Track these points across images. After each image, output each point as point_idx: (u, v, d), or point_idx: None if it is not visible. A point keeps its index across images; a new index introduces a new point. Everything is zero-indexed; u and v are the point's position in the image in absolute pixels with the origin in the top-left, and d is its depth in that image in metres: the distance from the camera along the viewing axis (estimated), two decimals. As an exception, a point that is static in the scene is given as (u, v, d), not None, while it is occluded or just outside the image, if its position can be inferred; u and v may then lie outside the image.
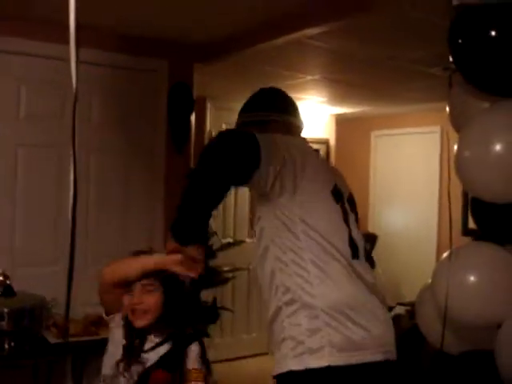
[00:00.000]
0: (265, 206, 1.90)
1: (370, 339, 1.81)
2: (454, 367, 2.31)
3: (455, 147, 2.29)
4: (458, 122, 2.46)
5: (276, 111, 2.24)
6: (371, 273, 1.96)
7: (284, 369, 1.82)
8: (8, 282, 3.06)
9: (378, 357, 1.81)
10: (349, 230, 1.93)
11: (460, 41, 2.13)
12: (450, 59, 2.24)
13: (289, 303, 1.84)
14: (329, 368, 1.75)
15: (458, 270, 2.11)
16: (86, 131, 3.51)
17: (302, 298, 1.82)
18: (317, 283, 1.81)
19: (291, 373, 1.79)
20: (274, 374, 1.86)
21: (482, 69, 2.17)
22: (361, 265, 1.91)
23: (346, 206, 1.99)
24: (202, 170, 1.74)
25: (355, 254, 1.90)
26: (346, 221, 1.95)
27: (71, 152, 0.96)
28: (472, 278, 2.08)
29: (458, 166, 2.22)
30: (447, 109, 2.55)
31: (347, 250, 1.88)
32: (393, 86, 4.78)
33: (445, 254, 2.22)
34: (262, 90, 2.37)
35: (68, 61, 0.93)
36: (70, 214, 0.94)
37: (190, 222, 1.79)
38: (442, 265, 2.19)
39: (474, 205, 2.35)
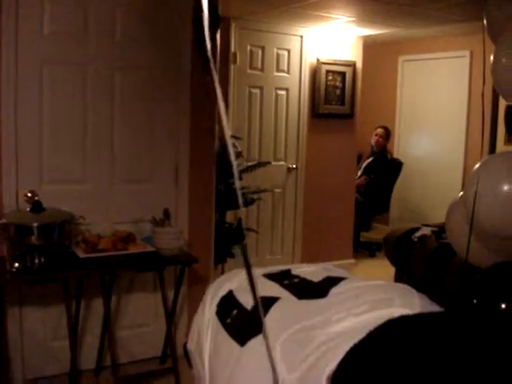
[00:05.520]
0: None
1: None
2: (483, 279, 2.30)
3: (491, 57, 2.23)
4: (495, 30, 2.37)
5: None
6: None
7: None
8: (36, 198, 3.09)
9: None
10: None
11: None
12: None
13: None
14: None
15: (490, 177, 2.07)
16: (110, 48, 3.48)
17: None
18: None
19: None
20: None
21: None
22: None
23: None
24: None
25: None
26: None
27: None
28: (504, 186, 2.04)
29: (495, 74, 2.16)
30: (484, 21, 2.46)
31: None
32: (424, 4, 4.61)
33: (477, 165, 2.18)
34: None
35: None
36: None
37: None
38: (474, 172, 2.15)
39: (509, 113, 2.29)
